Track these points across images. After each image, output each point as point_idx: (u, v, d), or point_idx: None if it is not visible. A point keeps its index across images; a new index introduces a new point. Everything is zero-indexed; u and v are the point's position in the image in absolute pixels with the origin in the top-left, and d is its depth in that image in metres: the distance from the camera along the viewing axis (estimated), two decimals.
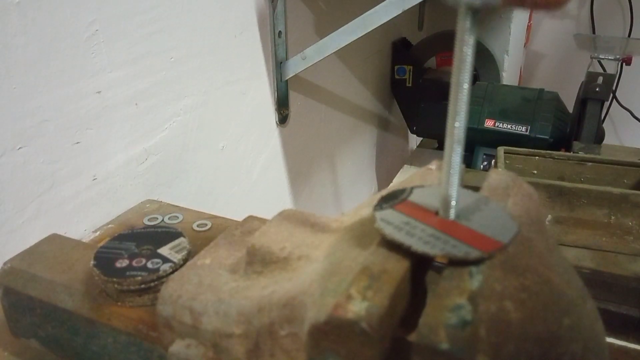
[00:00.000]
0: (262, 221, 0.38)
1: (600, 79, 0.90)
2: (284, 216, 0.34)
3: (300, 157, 1.05)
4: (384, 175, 1.59)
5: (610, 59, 1.14)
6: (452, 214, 0.27)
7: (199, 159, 0.74)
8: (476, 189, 0.31)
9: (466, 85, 0.25)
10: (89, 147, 0.55)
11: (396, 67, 1.43)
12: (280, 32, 0.85)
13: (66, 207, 0.54)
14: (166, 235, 0.40)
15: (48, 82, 0.50)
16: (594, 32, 1.78)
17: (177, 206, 0.58)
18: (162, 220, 0.54)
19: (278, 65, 0.87)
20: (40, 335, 0.40)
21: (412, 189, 0.30)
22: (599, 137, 0.92)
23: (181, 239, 0.40)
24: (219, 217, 0.53)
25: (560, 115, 0.96)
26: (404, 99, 1.46)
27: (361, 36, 0.79)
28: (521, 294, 0.24)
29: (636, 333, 0.54)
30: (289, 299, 0.27)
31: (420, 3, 0.75)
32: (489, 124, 0.97)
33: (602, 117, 1.03)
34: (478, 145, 0.99)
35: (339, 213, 0.30)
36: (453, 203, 0.27)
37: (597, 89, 0.90)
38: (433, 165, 0.35)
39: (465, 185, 0.28)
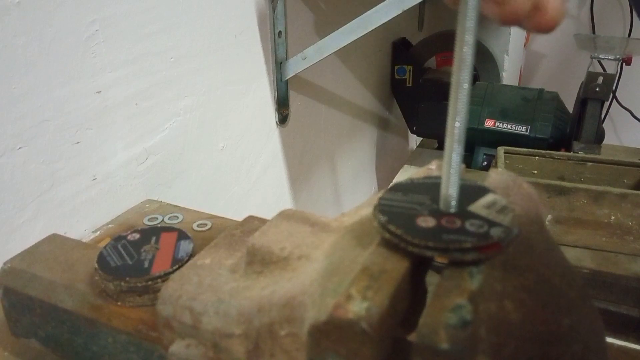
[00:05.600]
0: (262, 221, 0.38)
1: (600, 79, 0.90)
2: (284, 216, 0.34)
3: (300, 157, 1.05)
4: (384, 175, 1.59)
5: (610, 59, 1.14)
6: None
7: (199, 159, 0.74)
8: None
9: (466, 85, 0.25)
10: (89, 147, 0.55)
11: (396, 67, 1.42)
12: (280, 32, 0.85)
13: (66, 207, 0.54)
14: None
15: (48, 82, 0.50)
16: (594, 32, 1.78)
17: (177, 206, 0.58)
18: (162, 220, 0.54)
19: (278, 65, 0.87)
20: (40, 335, 0.40)
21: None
22: (599, 137, 0.92)
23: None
24: (219, 217, 0.53)
25: (560, 115, 0.96)
26: (404, 99, 1.46)
27: (361, 36, 0.79)
28: (521, 293, 0.24)
29: (636, 333, 0.54)
30: (289, 299, 0.27)
31: (420, 3, 0.75)
32: (489, 124, 0.97)
33: (602, 117, 1.03)
34: (478, 145, 0.99)
35: (339, 213, 0.30)
36: (453, 203, 0.27)
37: (597, 89, 0.90)
38: (433, 165, 0.35)
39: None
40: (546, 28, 0.23)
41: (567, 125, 0.96)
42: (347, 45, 0.81)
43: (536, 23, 0.23)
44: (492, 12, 0.24)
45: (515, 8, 0.23)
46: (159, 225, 0.49)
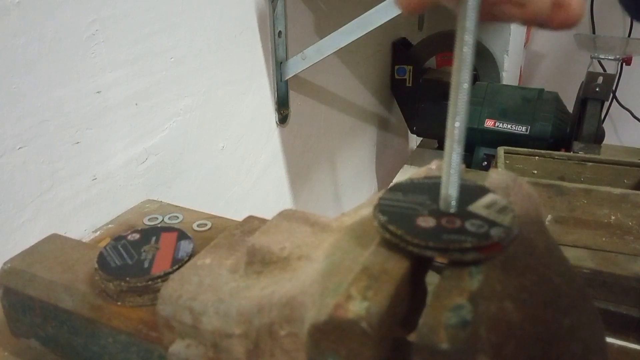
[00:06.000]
0: (262, 221, 0.38)
1: (600, 79, 0.90)
2: (284, 216, 0.34)
3: (300, 157, 1.05)
4: (384, 175, 1.59)
5: (610, 59, 1.14)
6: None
7: (199, 159, 0.74)
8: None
9: (466, 85, 0.25)
10: (89, 147, 0.55)
11: (396, 67, 1.42)
12: (280, 32, 0.85)
13: (66, 207, 0.54)
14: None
15: (48, 82, 0.50)
16: (594, 32, 1.78)
17: (177, 206, 0.58)
18: (162, 220, 0.54)
19: (278, 65, 0.87)
20: (40, 335, 0.40)
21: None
22: (599, 137, 0.92)
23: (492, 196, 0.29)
24: (219, 217, 0.53)
25: (560, 115, 0.96)
26: (404, 99, 1.46)
27: (361, 36, 0.79)
28: (521, 293, 0.24)
29: (636, 333, 0.54)
30: (289, 299, 0.27)
31: None
32: (489, 124, 0.97)
33: (602, 117, 1.03)
34: (478, 145, 0.99)
35: (339, 213, 0.30)
36: (453, 203, 0.27)
37: (597, 89, 0.90)
38: (433, 165, 0.35)
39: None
40: (571, 23, 0.23)
41: (567, 125, 0.96)
42: (347, 45, 0.81)
43: (561, 20, 0.23)
44: (513, 15, 0.23)
45: (536, 7, 0.22)
46: (159, 225, 0.49)
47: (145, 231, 0.42)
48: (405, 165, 1.28)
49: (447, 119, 0.26)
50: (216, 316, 0.30)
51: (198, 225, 0.51)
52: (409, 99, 1.43)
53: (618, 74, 1.71)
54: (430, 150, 1.39)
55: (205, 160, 0.76)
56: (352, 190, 1.38)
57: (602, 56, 1.15)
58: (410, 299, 0.27)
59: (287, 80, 0.89)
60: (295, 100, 0.97)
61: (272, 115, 0.91)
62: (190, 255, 0.39)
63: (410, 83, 1.42)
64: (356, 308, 0.23)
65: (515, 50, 1.47)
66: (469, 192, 0.28)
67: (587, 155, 0.76)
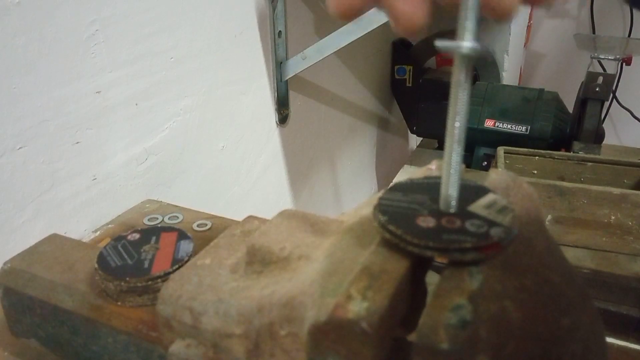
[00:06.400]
0: (262, 221, 0.38)
1: (600, 79, 0.90)
2: (284, 216, 0.34)
3: (300, 157, 1.05)
4: (384, 175, 1.59)
5: (610, 59, 1.14)
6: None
7: (199, 159, 0.74)
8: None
9: (466, 85, 0.25)
10: (89, 147, 0.55)
11: (396, 67, 1.42)
12: (280, 32, 0.85)
13: (66, 207, 0.54)
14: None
15: (48, 82, 0.50)
16: (594, 32, 1.78)
17: (177, 206, 0.58)
18: (162, 220, 0.54)
19: (278, 65, 0.87)
20: (40, 335, 0.40)
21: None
22: (599, 137, 0.92)
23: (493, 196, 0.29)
24: (219, 217, 0.53)
25: (560, 115, 0.96)
26: (404, 99, 1.46)
27: (361, 36, 0.79)
28: (521, 294, 0.24)
29: (636, 333, 0.54)
30: (289, 298, 0.27)
31: None
32: (489, 124, 0.97)
33: (602, 117, 1.03)
34: (478, 145, 0.99)
35: (339, 213, 0.31)
36: (453, 203, 0.27)
37: (597, 89, 0.90)
38: (433, 165, 0.35)
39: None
40: None
41: (567, 125, 0.96)
42: (347, 45, 0.81)
43: None
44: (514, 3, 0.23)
45: None
46: (159, 225, 0.49)
47: (145, 231, 0.42)
48: (405, 165, 1.28)
49: (447, 119, 0.26)
50: (216, 316, 0.30)
51: (198, 225, 0.51)
52: (409, 99, 1.43)
53: (618, 74, 1.71)
54: (430, 150, 1.39)
55: (205, 160, 0.76)
56: (352, 190, 1.38)
57: (602, 56, 1.15)
58: (410, 299, 0.27)
59: (287, 80, 0.89)
60: (295, 100, 0.97)
61: (272, 115, 0.91)
62: (190, 255, 0.39)
63: (410, 83, 1.42)
64: (356, 308, 0.23)
65: (515, 50, 1.47)
66: (469, 192, 0.28)
67: (587, 155, 0.76)
